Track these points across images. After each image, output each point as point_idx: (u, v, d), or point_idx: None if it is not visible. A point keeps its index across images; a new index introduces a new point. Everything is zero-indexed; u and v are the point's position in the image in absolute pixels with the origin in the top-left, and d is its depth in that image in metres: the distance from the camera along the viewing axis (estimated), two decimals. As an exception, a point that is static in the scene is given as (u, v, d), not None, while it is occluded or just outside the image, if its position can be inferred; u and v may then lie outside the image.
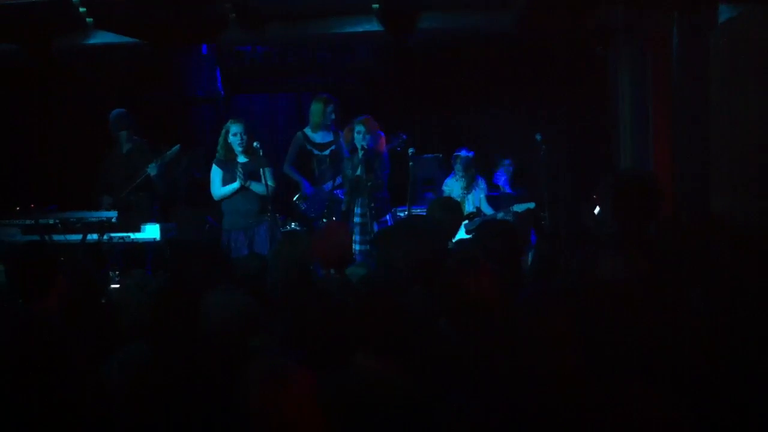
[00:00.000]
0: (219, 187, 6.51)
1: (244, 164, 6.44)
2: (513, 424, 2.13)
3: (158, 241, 6.61)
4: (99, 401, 2.22)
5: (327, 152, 7.08)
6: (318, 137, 7.12)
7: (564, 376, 2.26)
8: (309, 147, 7.10)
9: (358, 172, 6.52)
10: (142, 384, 2.52)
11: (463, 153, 7.31)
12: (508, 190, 8.29)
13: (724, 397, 2.24)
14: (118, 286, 6.09)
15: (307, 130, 7.16)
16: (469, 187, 7.25)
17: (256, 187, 6.40)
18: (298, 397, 2.02)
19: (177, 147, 6.97)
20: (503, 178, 8.46)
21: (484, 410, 2.17)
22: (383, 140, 6.74)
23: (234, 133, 6.41)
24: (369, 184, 6.47)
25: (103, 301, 3.88)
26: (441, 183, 7.64)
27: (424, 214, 6.23)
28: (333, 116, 7.06)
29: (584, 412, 1.99)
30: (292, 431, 2.00)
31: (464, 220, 6.47)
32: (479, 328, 2.92)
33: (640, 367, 2.38)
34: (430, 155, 8.25)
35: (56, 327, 2.81)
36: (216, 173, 6.53)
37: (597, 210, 6.23)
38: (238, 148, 6.43)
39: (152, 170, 6.82)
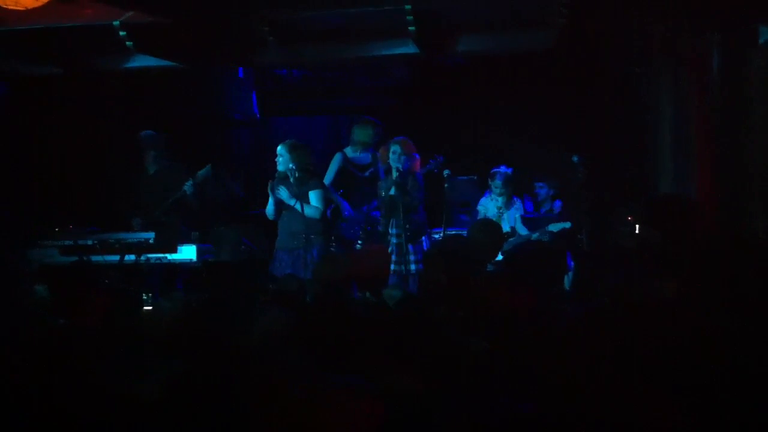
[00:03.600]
0: (269, 204, 6.59)
1: (290, 185, 6.49)
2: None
3: (194, 262, 6.65)
4: (134, 418, 2.22)
5: (367, 174, 7.09)
6: (358, 158, 7.16)
7: (601, 394, 2.23)
8: (350, 168, 7.13)
9: (392, 192, 6.50)
10: (176, 402, 2.50)
11: (502, 169, 7.26)
12: (541, 212, 8.19)
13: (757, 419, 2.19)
14: (150, 308, 6.13)
15: (348, 151, 7.21)
16: (507, 205, 7.18)
17: (306, 209, 6.44)
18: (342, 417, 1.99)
19: (208, 167, 7.04)
20: (538, 201, 8.35)
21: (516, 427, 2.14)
22: (418, 162, 6.72)
23: (276, 155, 6.55)
24: (402, 205, 6.45)
25: (139, 319, 3.90)
26: (476, 205, 7.59)
27: (461, 235, 6.22)
28: (377, 138, 7.11)
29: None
30: None
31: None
32: (509, 346, 2.89)
33: (673, 387, 2.34)
34: (465, 177, 8.21)
35: (95, 345, 2.84)
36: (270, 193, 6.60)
37: (638, 229, 6.17)
38: (279, 168, 6.53)
39: (188, 189, 6.91)
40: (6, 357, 2.35)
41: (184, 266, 6.68)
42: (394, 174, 6.48)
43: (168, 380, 2.65)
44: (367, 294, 4.34)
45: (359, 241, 6.89)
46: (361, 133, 7.14)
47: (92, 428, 2.16)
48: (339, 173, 7.14)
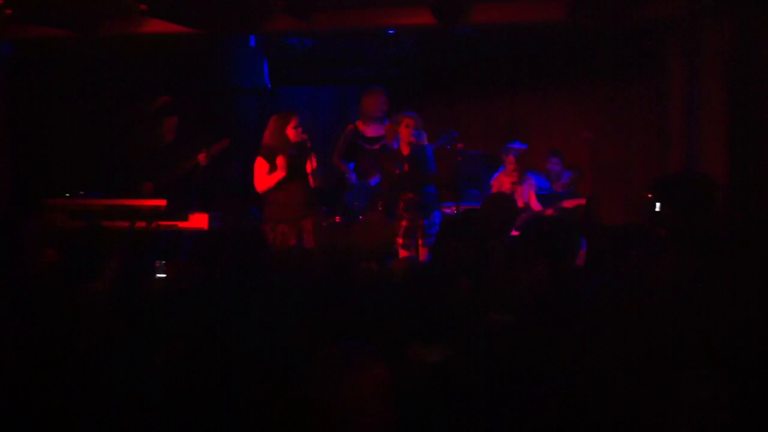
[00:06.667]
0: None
1: (291, 154, 6.41)
2: (562, 420, 2.09)
3: (205, 231, 6.63)
4: (132, 400, 2.19)
5: (377, 146, 7.05)
6: (369, 131, 7.11)
7: (621, 377, 2.20)
8: (359, 141, 7.09)
9: (407, 166, 6.45)
10: (175, 389, 2.45)
11: (516, 145, 7.21)
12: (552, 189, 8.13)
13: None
14: (164, 275, 6.12)
15: (359, 123, 7.15)
16: (519, 181, 7.13)
17: None
18: (369, 386, 1.94)
19: (224, 141, 7.02)
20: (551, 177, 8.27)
21: (538, 405, 2.13)
22: (426, 136, 6.67)
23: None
24: (417, 178, 6.40)
25: (147, 293, 3.83)
26: (487, 180, 7.55)
27: (475, 209, 6.17)
28: (385, 108, 7.04)
29: (638, 414, 1.94)
30: (359, 420, 1.93)
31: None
32: (526, 322, 2.87)
33: (692, 369, 2.31)
34: (476, 152, 8.16)
35: (103, 314, 2.80)
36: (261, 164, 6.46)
37: (658, 206, 6.10)
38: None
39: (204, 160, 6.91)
40: (5, 355, 2.32)
41: (194, 234, 6.66)
42: (409, 149, 6.42)
43: (167, 366, 2.61)
44: (372, 265, 4.30)
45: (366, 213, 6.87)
46: (369, 104, 7.07)
47: (92, 428, 2.13)
48: (349, 145, 7.09)
